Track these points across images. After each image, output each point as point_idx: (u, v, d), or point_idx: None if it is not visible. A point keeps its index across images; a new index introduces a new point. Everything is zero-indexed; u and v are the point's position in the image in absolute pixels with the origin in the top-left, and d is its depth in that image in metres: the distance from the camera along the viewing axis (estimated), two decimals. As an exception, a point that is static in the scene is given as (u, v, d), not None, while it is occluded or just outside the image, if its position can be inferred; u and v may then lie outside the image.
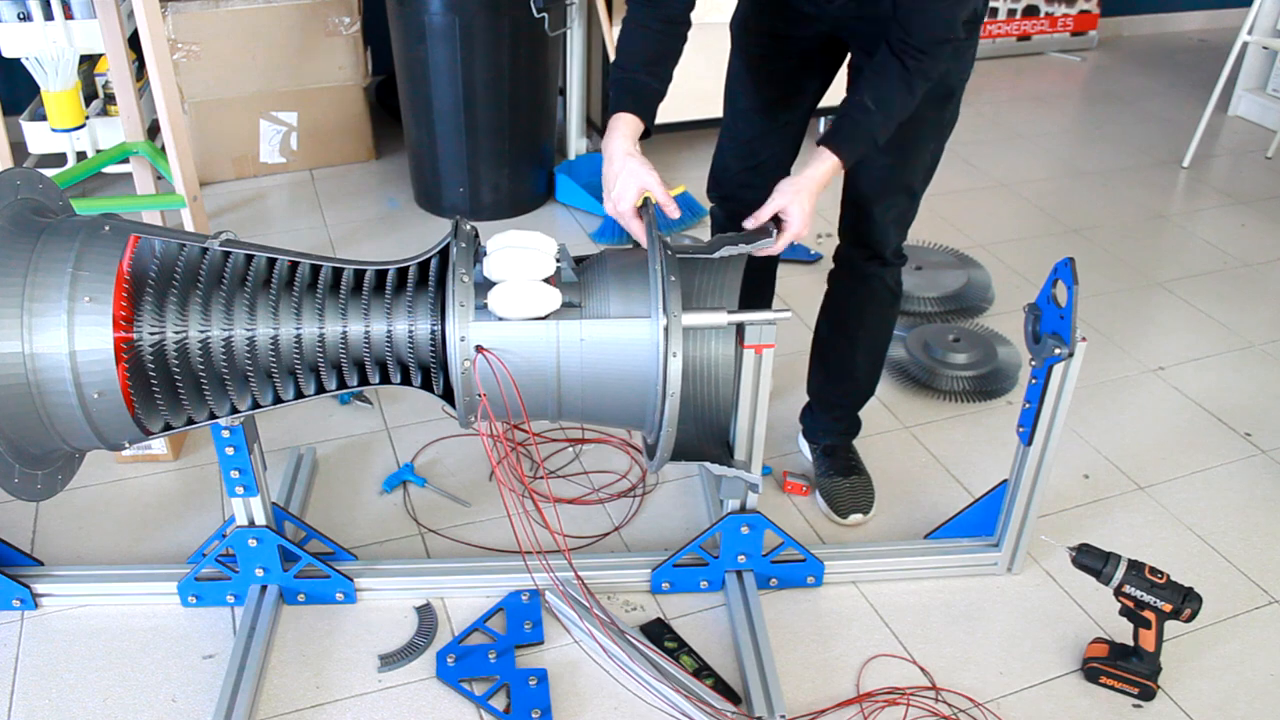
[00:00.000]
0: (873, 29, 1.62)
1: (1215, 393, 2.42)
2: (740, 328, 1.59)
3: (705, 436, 1.74)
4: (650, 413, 1.52)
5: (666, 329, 1.46)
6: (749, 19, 1.81)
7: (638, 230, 1.60)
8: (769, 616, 1.77)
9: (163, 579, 1.77)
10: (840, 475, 2.04)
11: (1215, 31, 5.02)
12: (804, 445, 2.17)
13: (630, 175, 1.58)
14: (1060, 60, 4.65)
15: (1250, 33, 3.49)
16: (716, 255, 1.56)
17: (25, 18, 2.63)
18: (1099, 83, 4.43)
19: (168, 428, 1.50)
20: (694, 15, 1.68)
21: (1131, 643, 1.66)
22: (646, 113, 1.64)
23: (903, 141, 1.66)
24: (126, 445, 1.55)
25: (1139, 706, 1.66)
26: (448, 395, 1.51)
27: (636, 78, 1.67)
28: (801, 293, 2.70)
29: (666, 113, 3.80)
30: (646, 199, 1.60)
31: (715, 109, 3.72)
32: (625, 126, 1.62)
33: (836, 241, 1.94)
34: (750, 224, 1.62)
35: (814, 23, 1.73)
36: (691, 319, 1.56)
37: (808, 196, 1.60)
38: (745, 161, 1.90)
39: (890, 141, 1.63)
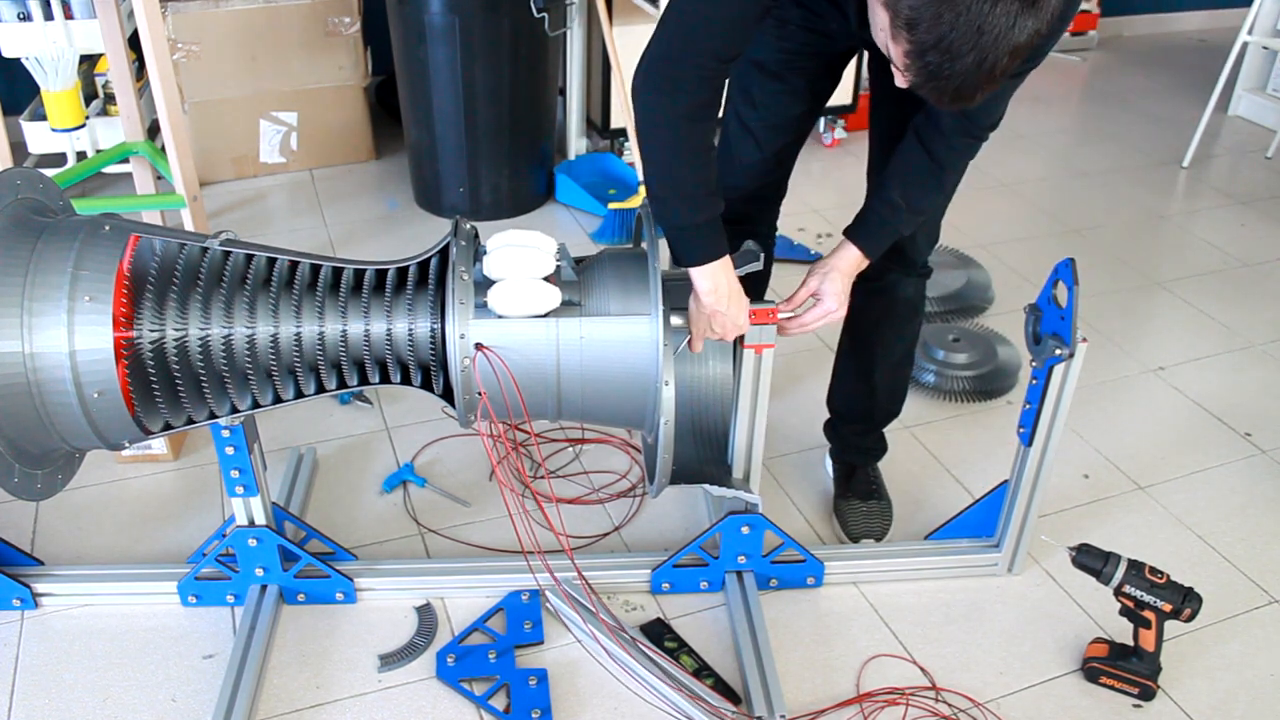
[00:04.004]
0: None
1: (1215, 393, 2.42)
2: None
3: (704, 457, 1.75)
4: (650, 412, 1.52)
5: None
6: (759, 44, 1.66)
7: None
8: (769, 616, 1.77)
9: (163, 578, 1.77)
10: (858, 498, 2.00)
11: (1215, 31, 5.01)
12: (828, 463, 2.12)
13: (742, 302, 1.52)
14: (1060, 60, 4.65)
15: (1250, 33, 3.49)
16: None
17: (25, 18, 2.63)
18: (1099, 83, 4.43)
19: (168, 427, 1.50)
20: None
21: (1131, 643, 1.66)
22: (729, 241, 1.51)
23: None
24: (126, 445, 1.55)
25: (1139, 706, 1.66)
26: (447, 395, 1.51)
27: (708, 210, 1.47)
28: (801, 293, 2.70)
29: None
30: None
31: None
32: (726, 266, 1.49)
33: (837, 241, 1.93)
34: (785, 307, 1.61)
35: (835, 41, 1.65)
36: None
37: (840, 276, 1.60)
38: (754, 182, 1.79)
39: None
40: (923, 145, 1.52)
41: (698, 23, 1.37)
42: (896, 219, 1.59)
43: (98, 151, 2.86)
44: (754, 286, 1.97)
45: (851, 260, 1.61)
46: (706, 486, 1.69)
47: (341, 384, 1.52)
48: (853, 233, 1.60)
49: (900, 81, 1.24)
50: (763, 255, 1.59)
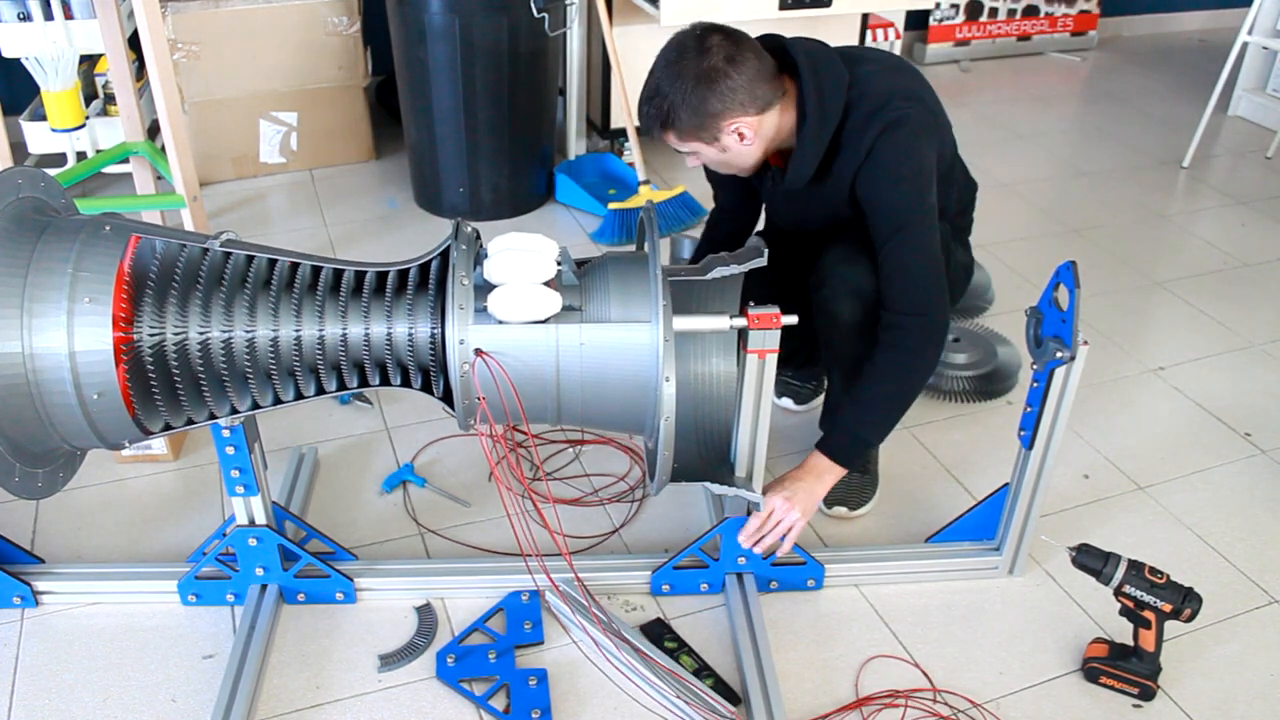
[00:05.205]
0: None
1: (1215, 393, 2.42)
2: (743, 332, 1.59)
3: (706, 455, 1.74)
4: (649, 418, 1.52)
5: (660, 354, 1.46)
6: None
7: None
8: (769, 616, 1.77)
9: (163, 577, 1.77)
10: None
11: (1215, 31, 5.02)
12: None
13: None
14: (1060, 60, 4.65)
15: (1250, 33, 3.49)
16: (710, 276, 1.55)
17: (25, 18, 2.63)
18: (1099, 83, 4.43)
19: (167, 427, 1.50)
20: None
21: (1131, 643, 1.66)
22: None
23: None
24: (126, 445, 1.55)
25: (1139, 706, 1.66)
26: (447, 398, 1.51)
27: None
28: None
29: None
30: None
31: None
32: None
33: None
34: (751, 530, 1.74)
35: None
36: (692, 323, 1.55)
37: (797, 493, 1.74)
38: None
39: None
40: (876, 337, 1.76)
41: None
42: (846, 416, 1.78)
43: (98, 151, 2.86)
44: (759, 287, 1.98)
45: (815, 464, 1.77)
46: (708, 485, 1.68)
47: (341, 386, 1.52)
48: (822, 444, 1.78)
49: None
50: (766, 251, 1.57)
